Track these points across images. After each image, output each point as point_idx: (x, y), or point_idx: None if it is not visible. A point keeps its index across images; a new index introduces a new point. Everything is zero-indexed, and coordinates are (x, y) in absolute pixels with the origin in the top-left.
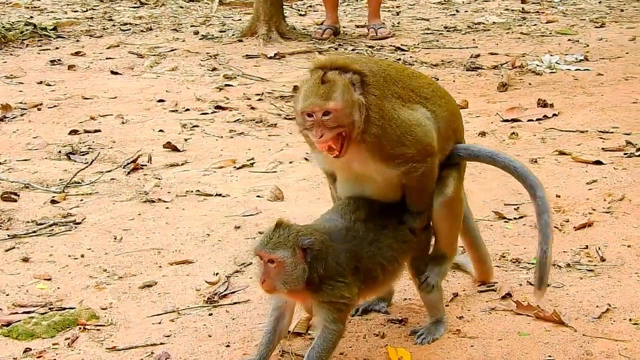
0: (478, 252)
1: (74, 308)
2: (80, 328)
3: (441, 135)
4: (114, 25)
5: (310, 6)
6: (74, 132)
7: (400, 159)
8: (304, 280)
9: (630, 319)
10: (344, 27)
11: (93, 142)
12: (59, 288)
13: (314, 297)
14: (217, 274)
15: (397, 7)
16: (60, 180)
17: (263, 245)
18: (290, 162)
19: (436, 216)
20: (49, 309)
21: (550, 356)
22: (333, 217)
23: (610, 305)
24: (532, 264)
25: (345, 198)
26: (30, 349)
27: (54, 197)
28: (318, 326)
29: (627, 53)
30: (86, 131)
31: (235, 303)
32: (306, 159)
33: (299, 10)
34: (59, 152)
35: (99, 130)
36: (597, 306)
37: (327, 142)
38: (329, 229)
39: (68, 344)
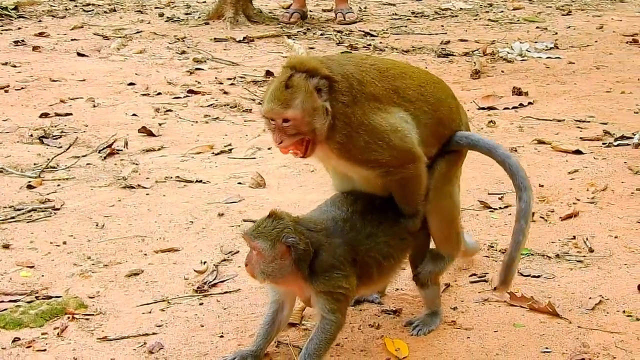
0: None
1: (60, 297)
2: (68, 317)
3: (422, 140)
4: (76, 6)
5: None
6: (44, 115)
7: (373, 163)
8: (288, 275)
9: (624, 311)
10: (310, 11)
11: (65, 125)
12: (43, 276)
13: (312, 287)
14: (204, 262)
15: None
16: (34, 164)
17: (250, 231)
18: (269, 149)
19: (425, 210)
20: (35, 297)
21: (547, 348)
22: (330, 208)
23: (602, 297)
24: (522, 254)
25: (346, 191)
26: (19, 339)
27: (30, 182)
28: (317, 317)
29: (595, 41)
30: (57, 114)
31: (225, 292)
32: None
33: None
34: (31, 135)
35: (70, 114)
36: (589, 298)
37: (286, 147)
38: (326, 222)
39: (57, 334)
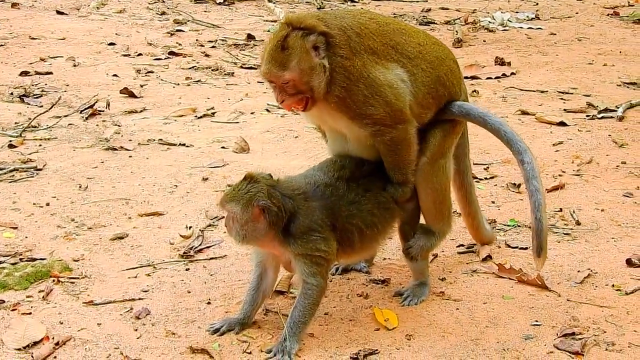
0: (469, 207)
1: (45, 259)
2: (53, 280)
3: (418, 101)
4: None
5: None
6: (24, 73)
7: (368, 119)
8: (264, 237)
9: (613, 285)
10: None
11: (46, 84)
12: (26, 237)
13: (290, 250)
14: (190, 227)
15: None
16: (15, 123)
17: (222, 196)
18: (252, 113)
19: (415, 182)
20: (20, 259)
21: (537, 321)
22: (316, 173)
23: (591, 271)
24: (509, 225)
25: (335, 155)
26: (4, 301)
27: (11, 141)
28: (298, 283)
29: (577, 13)
30: (37, 73)
31: (211, 258)
32: (268, 111)
33: None
34: (11, 94)
35: (50, 73)
36: (578, 271)
37: (288, 106)
38: (306, 186)
39: (43, 297)
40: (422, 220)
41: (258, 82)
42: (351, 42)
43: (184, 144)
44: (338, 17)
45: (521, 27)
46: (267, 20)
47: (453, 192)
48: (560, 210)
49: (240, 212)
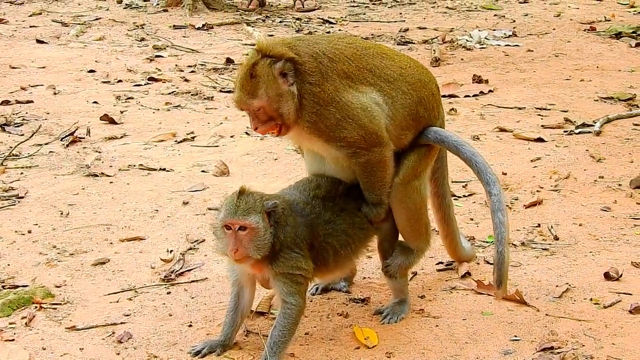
0: (447, 227)
1: (27, 286)
2: (36, 307)
3: (397, 123)
4: None
5: None
6: (5, 102)
7: (342, 142)
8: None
9: (591, 299)
10: None
11: (27, 113)
12: (9, 265)
13: (271, 268)
14: (171, 251)
15: None
16: None
17: (232, 214)
18: (232, 137)
19: (390, 203)
20: (2, 286)
21: (516, 336)
22: (292, 191)
23: (569, 285)
24: (487, 242)
25: (309, 175)
26: None
27: None
28: (278, 303)
29: (554, 29)
30: (18, 102)
31: (192, 281)
32: (247, 134)
33: None
34: None
35: (31, 101)
36: (556, 286)
37: (263, 132)
38: (289, 200)
39: (25, 323)
40: (401, 238)
41: None
42: (322, 67)
43: (164, 169)
44: (311, 43)
45: (499, 45)
46: (246, 44)
47: (432, 213)
48: (539, 225)
49: (261, 221)
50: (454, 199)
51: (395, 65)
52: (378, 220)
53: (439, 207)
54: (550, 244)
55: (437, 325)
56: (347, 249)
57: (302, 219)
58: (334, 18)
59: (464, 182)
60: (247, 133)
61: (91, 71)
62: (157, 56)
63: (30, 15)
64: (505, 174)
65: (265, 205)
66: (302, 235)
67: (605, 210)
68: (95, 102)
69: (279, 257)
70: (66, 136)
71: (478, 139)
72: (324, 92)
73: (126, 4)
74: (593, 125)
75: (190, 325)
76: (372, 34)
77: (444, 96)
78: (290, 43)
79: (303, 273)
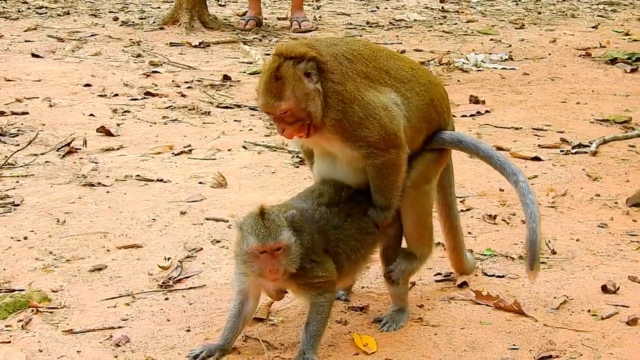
0: (453, 239)
1: (23, 290)
2: (32, 310)
3: (411, 124)
4: (29, 8)
5: None
6: (0, 113)
7: (362, 141)
8: None
9: (589, 310)
10: (265, 19)
11: (22, 124)
12: (5, 269)
13: (293, 280)
14: (169, 258)
15: (317, 1)
16: None
17: (266, 237)
18: (229, 150)
19: (400, 206)
20: None
21: (514, 345)
22: (297, 201)
23: (567, 297)
24: (485, 254)
25: (312, 185)
26: None
27: None
28: (305, 304)
29: (549, 54)
30: (13, 113)
31: (190, 288)
32: (245, 147)
33: (218, 1)
34: None
35: (26, 113)
36: (554, 297)
37: (290, 135)
38: (300, 208)
39: (22, 326)
40: (403, 245)
41: (234, 120)
42: (342, 68)
43: (161, 180)
44: (329, 45)
45: (495, 68)
46: (242, 62)
47: (439, 224)
48: None
49: (292, 235)
50: None
51: (407, 67)
52: (385, 224)
53: (447, 217)
54: (547, 258)
55: (435, 334)
56: (357, 254)
57: (314, 225)
58: (330, 37)
59: (461, 197)
60: (244, 147)
61: (87, 85)
62: (153, 72)
63: (26, 30)
64: (503, 190)
65: (287, 217)
66: (318, 242)
67: (602, 227)
68: (91, 115)
69: (300, 267)
70: (62, 147)
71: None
72: (346, 91)
73: (122, 21)
74: (589, 146)
75: (188, 330)
76: None
77: None
78: (309, 44)
79: (323, 279)
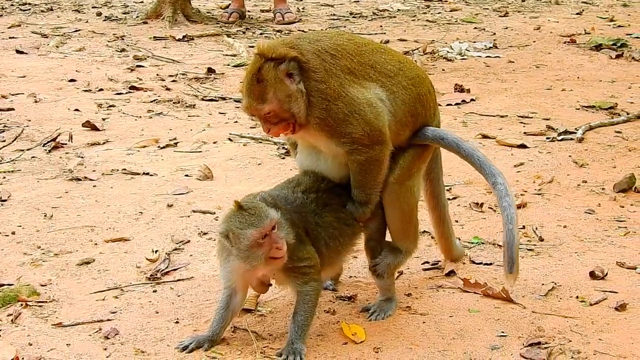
0: (442, 227)
1: (12, 284)
2: (21, 304)
3: (397, 119)
4: (12, 5)
5: None
6: None
7: (346, 138)
8: None
9: (577, 297)
10: (249, 12)
11: (8, 120)
12: None
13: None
14: (156, 251)
15: None
16: None
17: (259, 222)
18: (215, 143)
19: (383, 202)
20: None
21: (503, 332)
22: (275, 191)
23: (555, 284)
24: (472, 242)
25: (290, 177)
26: None
27: None
28: (292, 294)
29: (534, 42)
30: None
31: (178, 280)
32: (230, 140)
33: None
34: None
35: (12, 109)
36: (542, 284)
37: (276, 133)
38: (272, 194)
39: (12, 320)
40: (388, 238)
41: (220, 113)
42: (326, 64)
43: (147, 173)
44: (312, 41)
45: (479, 56)
46: (226, 55)
47: (428, 213)
48: (523, 227)
49: (276, 211)
50: None
51: (394, 60)
52: (362, 219)
53: (435, 207)
54: (535, 245)
55: (424, 322)
56: (336, 242)
57: (289, 206)
58: (314, 31)
59: (448, 185)
60: (230, 139)
61: (72, 80)
62: (138, 66)
63: (10, 27)
64: None
65: (260, 199)
66: (296, 220)
67: (589, 213)
68: (76, 110)
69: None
70: (48, 142)
71: None
72: (330, 89)
73: (105, 17)
74: (575, 133)
75: (177, 322)
76: None
77: None
78: (291, 42)
79: (307, 262)
